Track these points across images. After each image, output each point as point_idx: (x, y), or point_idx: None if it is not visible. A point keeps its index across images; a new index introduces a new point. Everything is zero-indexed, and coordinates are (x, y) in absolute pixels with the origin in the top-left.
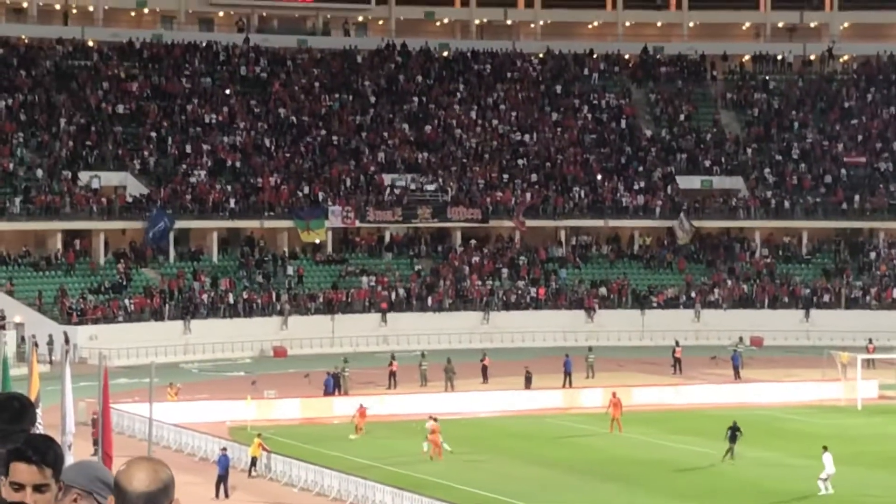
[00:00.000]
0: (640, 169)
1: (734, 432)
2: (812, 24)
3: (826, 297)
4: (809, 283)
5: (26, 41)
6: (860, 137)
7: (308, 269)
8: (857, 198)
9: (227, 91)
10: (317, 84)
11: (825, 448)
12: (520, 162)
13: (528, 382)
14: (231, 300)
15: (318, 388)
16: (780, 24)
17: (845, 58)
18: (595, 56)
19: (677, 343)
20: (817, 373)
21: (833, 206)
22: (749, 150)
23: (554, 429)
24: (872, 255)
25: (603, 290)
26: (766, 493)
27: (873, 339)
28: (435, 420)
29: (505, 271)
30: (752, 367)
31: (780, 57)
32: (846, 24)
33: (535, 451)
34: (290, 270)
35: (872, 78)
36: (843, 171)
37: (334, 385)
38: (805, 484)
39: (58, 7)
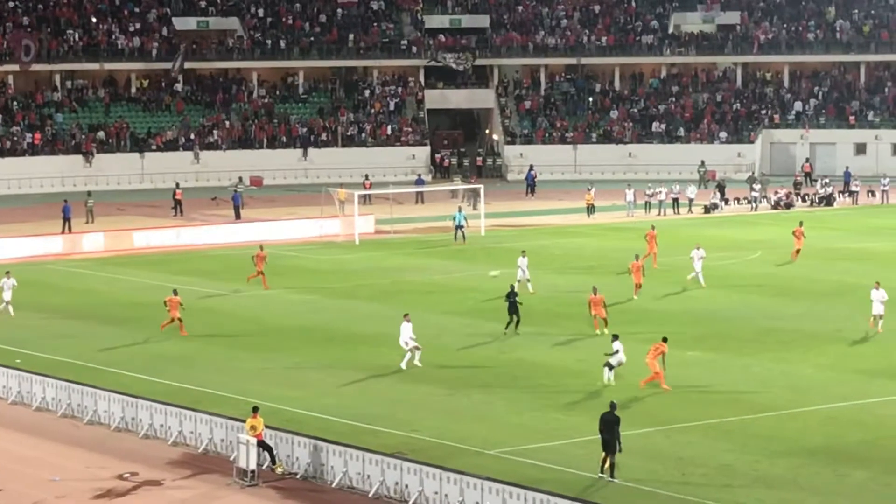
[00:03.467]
0: (136, 10)
1: (513, 300)
2: None
3: (323, 136)
4: (306, 121)
5: None
6: None
7: None
8: (351, 37)
9: None
10: None
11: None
12: (11, 4)
13: None
14: None
15: None
16: None
17: None
18: None
19: (177, 185)
20: (316, 210)
21: (328, 45)
22: None
23: (55, 275)
24: (367, 93)
25: (101, 135)
26: (266, 326)
27: (369, 176)
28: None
29: None
30: (253, 206)
31: None
32: None
33: (37, 298)
34: None
35: None
36: (338, 10)
37: None
38: (303, 318)
39: None
